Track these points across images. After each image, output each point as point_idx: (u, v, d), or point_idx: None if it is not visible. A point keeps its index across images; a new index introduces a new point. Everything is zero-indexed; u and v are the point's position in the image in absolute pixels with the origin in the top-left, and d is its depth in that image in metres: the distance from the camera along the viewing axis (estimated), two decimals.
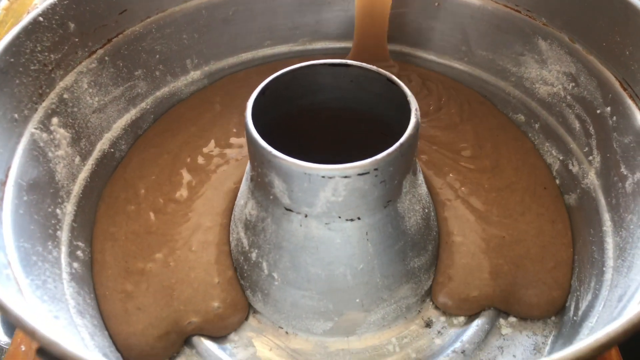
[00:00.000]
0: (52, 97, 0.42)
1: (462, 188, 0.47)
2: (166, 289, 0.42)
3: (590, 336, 0.22)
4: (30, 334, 0.23)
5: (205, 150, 0.50)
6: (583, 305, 0.39)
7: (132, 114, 0.50)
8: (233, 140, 0.51)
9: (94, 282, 0.42)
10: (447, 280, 0.43)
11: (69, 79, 0.44)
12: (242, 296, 0.43)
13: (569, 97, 0.46)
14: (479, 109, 0.53)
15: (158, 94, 0.52)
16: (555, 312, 0.42)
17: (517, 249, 0.44)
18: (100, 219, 0.46)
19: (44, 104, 0.42)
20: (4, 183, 0.36)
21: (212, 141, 0.51)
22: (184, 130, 0.52)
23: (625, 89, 0.41)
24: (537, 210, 0.46)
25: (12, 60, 0.38)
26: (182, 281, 0.42)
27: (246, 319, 0.43)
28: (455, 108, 0.52)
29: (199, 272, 0.43)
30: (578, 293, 0.41)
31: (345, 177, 0.34)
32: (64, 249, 0.40)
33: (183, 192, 0.47)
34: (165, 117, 0.53)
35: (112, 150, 0.48)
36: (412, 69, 0.56)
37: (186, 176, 0.48)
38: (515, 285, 0.42)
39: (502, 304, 0.42)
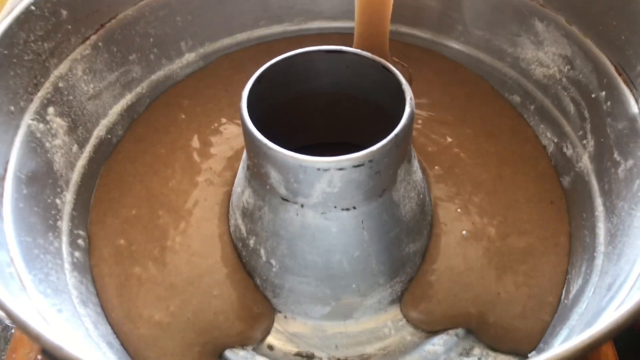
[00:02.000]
0: (47, 86, 0.42)
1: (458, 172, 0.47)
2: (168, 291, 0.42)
3: (575, 338, 0.23)
4: (35, 339, 0.23)
5: (212, 122, 0.50)
6: (574, 289, 0.40)
7: (127, 99, 0.50)
8: (228, 122, 0.51)
9: (92, 275, 0.43)
10: (424, 296, 0.42)
11: (63, 67, 0.44)
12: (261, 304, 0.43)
13: (564, 80, 0.46)
14: (477, 91, 0.52)
15: (153, 77, 0.52)
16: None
17: (510, 250, 0.43)
18: (95, 208, 0.46)
19: (40, 94, 0.42)
20: (3, 178, 0.37)
21: (221, 114, 0.51)
22: (179, 114, 0.52)
23: (620, 74, 0.41)
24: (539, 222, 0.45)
25: (5, 52, 0.38)
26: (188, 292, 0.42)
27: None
28: (451, 91, 0.52)
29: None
30: (569, 276, 0.41)
31: (341, 169, 0.35)
32: (64, 238, 0.41)
33: (180, 178, 0.47)
34: (160, 100, 0.53)
35: (109, 136, 0.49)
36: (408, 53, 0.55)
37: (182, 161, 0.48)
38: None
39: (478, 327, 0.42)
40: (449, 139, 0.49)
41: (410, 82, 0.52)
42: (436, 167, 0.47)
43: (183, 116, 0.51)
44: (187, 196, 0.46)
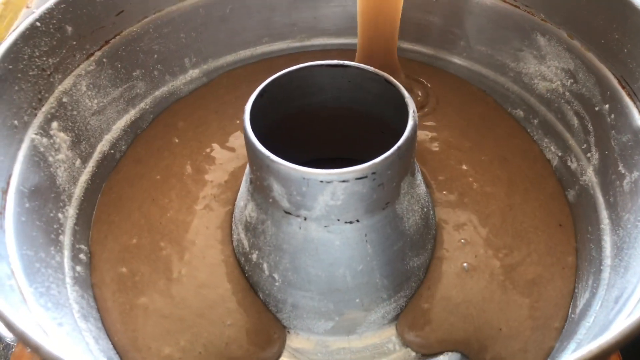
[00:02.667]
0: (52, 101, 0.42)
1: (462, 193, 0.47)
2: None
3: (583, 348, 0.22)
4: (35, 350, 0.23)
5: (204, 148, 0.50)
6: (581, 304, 0.39)
7: (131, 114, 0.50)
8: (233, 137, 0.51)
9: (94, 294, 0.42)
10: (419, 321, 0.42)
11: (67, 83, 0.44)
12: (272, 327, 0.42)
13: (567, 94, 0.46)
14: (480, 106, 0.53)
15: (157, 93, 0.52)
16: None
17: (515, 284, 0.42)
18: (97, 227, 0.46)
19: (44, 108, 0.42)
20: (6, 191, 0.37)
21: (212, 138, 0.51)
22: (173, 138, 0.51)
23: (623, 87, 0.41)
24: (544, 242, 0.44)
25: (10, 67, 0.39)
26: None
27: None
28: (455, 106, 0.52)
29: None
30: (576, 291, 0.41)
31: (344, 181, 0.34)
32: (66, 253, 0.41)
33: (178, 207, 0.47)
34: (163, 115, 0.53)
35: (113, 151, 0.49)
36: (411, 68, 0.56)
37: (178, 190, 0.48)
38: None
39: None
40: (464, 166, 0.49)
41: (425, 99, 0.52)
42: (444, 192, 0.47)
43: (176, 140, 0.51)
44: (187, 226, 0.45)
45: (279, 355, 0.41)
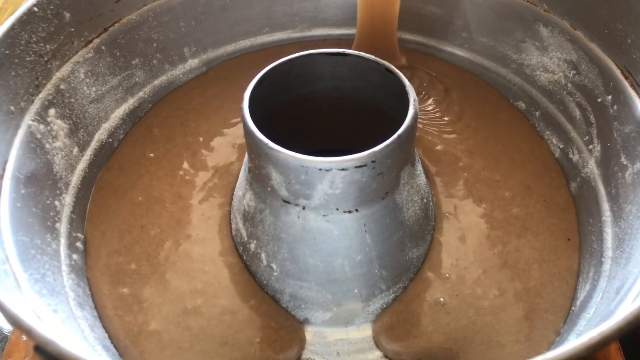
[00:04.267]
0: (49, 88, 0.42)
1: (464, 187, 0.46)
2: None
3: (584, 335, 0.22)
4: (27, 332, 0.23)
5: (202, 136, 0.50)
6: (581, 296, 0.39)
7: (130, 103, 0.50)
8: (230, 126, 0.51)
9: (90, 284, 0.41)
10: (401, 331, 0.40)
11: (65, 70, 0.43)
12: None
13: (569, 85, 0.46)
14: (485, 99, 0.52)
15: (156, 82, 0.52)
16: None
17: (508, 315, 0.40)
18: (93, 212, 0.45)
19: (41, 95, 0.41)
20: (2, 176, 0.36)
21: (210, 127, 0.51)
22: (180, 117, 0.51)
23: (626, 78, 0.40)
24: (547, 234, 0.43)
25: (7, 52, 0.38)
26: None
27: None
28: (459, 99, 0.52)
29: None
30: (577, 283, 0.41)
31: (343, 169, 0.34)
32: (63, 240, 0.41)
33: (180, 182, 0.47)
34: (162, 103, 0.53)
35: (110, 140, 0.48)
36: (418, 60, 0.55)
37: (185, 165, 0.48)
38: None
39: None
40: (466, 157, 0.48)
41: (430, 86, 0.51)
42: (445, 182, 0.46)
43: (174, 128, 0.51)
44: (185, 216, 0.45)
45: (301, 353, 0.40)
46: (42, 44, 0.41)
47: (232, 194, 0.45)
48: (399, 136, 0.35)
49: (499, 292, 0.40)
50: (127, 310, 0.40)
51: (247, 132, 0.36)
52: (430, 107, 0.51)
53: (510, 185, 0.46)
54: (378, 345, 0.40)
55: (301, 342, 0.40)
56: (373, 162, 0.34)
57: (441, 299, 0.40)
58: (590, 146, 0.44)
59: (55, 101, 0.42)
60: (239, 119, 0.51)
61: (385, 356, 0.40)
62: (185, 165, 0.48)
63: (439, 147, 0.48)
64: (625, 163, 0.39)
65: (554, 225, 0.44)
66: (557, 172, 0.47)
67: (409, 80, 0.38)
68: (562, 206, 0.45)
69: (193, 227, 0.44)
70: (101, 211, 0.45)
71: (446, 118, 0.51)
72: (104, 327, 0.39)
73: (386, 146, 0.34)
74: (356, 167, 0.34)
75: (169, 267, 0.42)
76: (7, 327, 0.53)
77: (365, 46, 0.50)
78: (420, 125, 0.50)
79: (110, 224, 0.44)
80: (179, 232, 0.44)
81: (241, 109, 0.37)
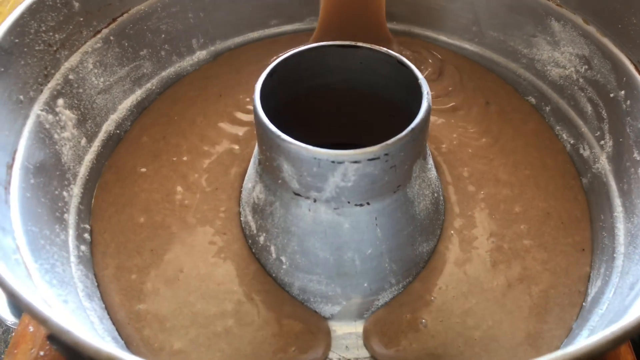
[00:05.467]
0: (58, 78, 0.42)
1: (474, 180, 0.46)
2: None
3: (599, 333, 0.21)
4: (42, 322, 0.23)
5: (209, 125, 0.49)
6: (592, 292, 0.39)
7: (137, 94, 0.50)
8: (239, 116, 0.50)
9: (97, 278, 0.41)
10: (394, 335, 0.39)
11: (74, 60, 0.43)
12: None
13: (581, 80, 0.46)
14: (498, 92, 0.52)
15: (164, 74, 0.52)
16: None
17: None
18: (99, 199, 0.45)
19: (50, 84, 0.41)
20: (11, 166, 0.36)
21: (217, 117, 0.50)
22: (187, 108, 0.51)
23: None
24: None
25: (16, 40, 0.38)
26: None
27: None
28: (471, 91, 0.51)
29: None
30: (588, 281, 0.40)
31: (355, 162, 0.34)
32: (71, 231, 0.40)
33: (185, 173, 0.46)
34: (169, 91, 0.52)
35: (118, 131, 0.48)
36: (428, 48, 0.55)
37: (191, 154, 0.47)
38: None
39: None
40: (476, 150, 0.47)
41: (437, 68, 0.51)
42: (456, 175, 0.46)
43: (181, 118, 0.50)
44: (191, 208, 0.44)
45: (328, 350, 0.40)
46: (51, 34, 0.41)
47: (241, 187, 0.45)
48: (413, 129, 0.35)
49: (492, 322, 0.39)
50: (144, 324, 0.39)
51: (259, 124, 0.36)
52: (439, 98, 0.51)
53: (521, 181, 0.45)
54: (367, 347, 0.39)
55: (328, 341, 0.40)
56: (386, 155, 0.34)
57: (423, 320, 0.39)
58: (602, 142, 0.44)
59: (63, 91, 0.42)
60: (242, 110, 0.50)
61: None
62: (192, 154, 0.47)
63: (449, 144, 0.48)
64: (638, 158, 0.39)
65: (568, 236, 0.43)
66: (586, 209, 0.44)
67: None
68: (585, 247, 0.42)
69: (200, 220, 0.44)
70: (107, 200, 0.45)
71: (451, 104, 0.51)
72: (110, 316, 0.39)
73: (400, 139, 0.34)
74: (369, 159, 0.34)
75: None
76: (10, 319, 0.52)
77: (333, 28, 0.49)
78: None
79: (116, 214, 0.44)
80: (186, 225, 0.43)
81: (252, 101, 0.36)
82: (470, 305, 0.39)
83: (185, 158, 0.47)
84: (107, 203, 0.45)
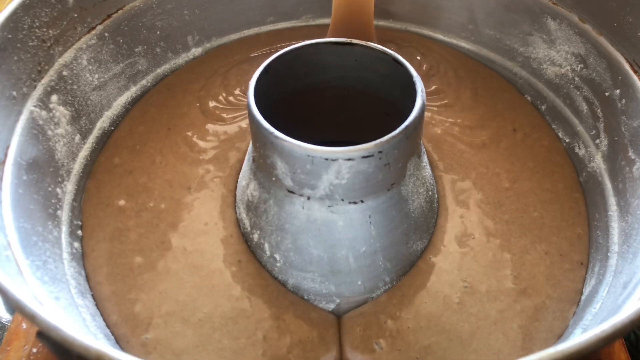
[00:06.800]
0: (51, 74, 0.42)
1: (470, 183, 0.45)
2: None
3: (590, 331, 0.21)
4: (30, 318, 0.23)
5: (201, 122, 0.49)
6: (586, 290, 0.39)
7: (132, 91, 0.49)
8: (231, 115, 0.50)
9: (85, 269, 0.40)
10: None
11: (68, 56, 0.43)
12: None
13: (577, 79, 0.46)
14: (494, 90, 0.51)
15: (159, 71, 0.51)
16: None
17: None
18: (90, 195, 0.44)
19: (43, 81, 0.41)
20: (3, 162, 0.36)
21: (209, 114, 0.50)
22: (178, 102, 0.50)
23: (635, 72, 0.40)
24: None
25: (9, 36, 0.38)
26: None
27: None
28: (466, 89, 0.51)
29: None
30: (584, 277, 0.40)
31: (349, 159, 0.34)
32: (64, 228, 0.40)
33: (178, 170, 0.46)
34: (157, 88, 0.52)
35: (112, 128, 0.48)
36: (424, 46, 0.55)
37: (182, 151, 0.47)
38: None
39: None
40: (469, 145, 0.47)
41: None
42: (449, 170, 0.46)
43: (173, 112, 0.50)
44: (185, 208, 0.44)
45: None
46: (45, 29, 0.41)
47: (235, 185, 0.45)
48: (407, 127, 0.35)
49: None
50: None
51: (252, 121, 0.36)
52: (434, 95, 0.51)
53: (516, 176, 0.45)
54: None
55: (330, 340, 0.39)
56: (380, 152, 0.34)
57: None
58: (597, 140, 0.44)
59: (57, 87, 0.42)
60: (233, 108, 0.50)
61: None
62: (184, 151, 0.47)
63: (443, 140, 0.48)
64: (633, 157, 0.39)
65: (565, 235, 0.42)
66: (585, 224, 0.43)
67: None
68: (583, 261, 0.41)
69: (195, 221, 0.43)
70: (98, 196, 0.44)
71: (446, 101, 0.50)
72: (103, 317, 0.39)
73: (393, 137, 0.34)
74: (363, 157, 0.34)
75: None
76: (5, 316, 0.52)
77: (341, 31, 0.49)
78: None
79: (107, 210, 0.43)
80: (179, 225, 0.43)
81: (247, 98, 0.36)
82: (463, 303, 0.39)
83: (179, 151, 0.47)
84: (97, 200, 0.44)
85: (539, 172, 0.45)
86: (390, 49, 0.40)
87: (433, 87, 0.51)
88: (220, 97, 0.50)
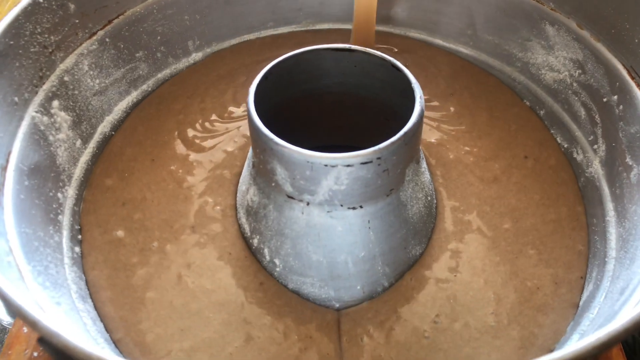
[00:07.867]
0: (53, 79, 0.42)
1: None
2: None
3: (589, 336, 0.22)
4: (32, 325, 0.23)
5: (198, 127, 0.49)
6: (584, 296, 0.39)
7: (133, 96, 0.50)
8: (229, 114, 0.50)
9: (85, 273, 0.40)
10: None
11: (69, 61, 0.43)
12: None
13: (575, 85, 0.46)
14: (494, 95, 0.51)
15: (160, 76, 0.52)
16: None
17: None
18: (90, 199, 0.44)
19: (45, 86, 0.41)
20: (5, 168, 0.36)
21: (208, 115, 0.50)
22: (160, 125, 0.49)
23: (633, 78, 0.40)
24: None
25: (11, 42, 0.38)
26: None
27: None
28: (467, 92, 0.51)
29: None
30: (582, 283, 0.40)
31: (348, 165, 0.34)
32: (65, 233, 0.40)
33: (177, 176, 0.46)
34: (157, 92, 0.52)
35: (114, 133, 0.48)
36: (424, 51, 0.55)
37: (170, 188, 0.45)
38: None
39: None
40: (469, 149, 0.47)
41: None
42: (447, 177, 0.46)
43: (173, 117, 0.50)
44: (182, 215, 0.43)
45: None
46: (46, 35, 0.41)
47: (235, 190, 0.45)
48: (405, 133, 0.35)
49: None
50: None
51: (252, 127, 0.36)
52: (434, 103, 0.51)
53: (514, 184, 0.45)
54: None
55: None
56: (379, 158, 0.34)
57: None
58: (595, 146, 0.44)
59: (59, 93, 0.42)
60: (234, 106, 0.50)
61: None
62: (183, 157, 0.47)
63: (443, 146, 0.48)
64: (630, 163, 0.39)
65: (565, 241, 0.42)
66: (585, 236, 0.43)
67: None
68: (583, 276, 0.41)
69: (194, 226, 0.43)
70: (99, 201, 0.44)
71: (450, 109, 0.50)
72: (103, 322, 0.39)
73: (392, 143, 0.34)
74: (362, 163, 0.34)
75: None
76: (6, 319, 0.52)
77: (361, 40, 0.49)
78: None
79: (107, 216, 0.43)
80: (178, 232, 0.43)
81: (246, 104, 0.37)
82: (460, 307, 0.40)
83: (167, 188, 0.45)
84: (98, 204, 0.44)
85: (545, 204, 0.44)
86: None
87: (432, 94, 0.51)
88: (197, 125, 0.49)
